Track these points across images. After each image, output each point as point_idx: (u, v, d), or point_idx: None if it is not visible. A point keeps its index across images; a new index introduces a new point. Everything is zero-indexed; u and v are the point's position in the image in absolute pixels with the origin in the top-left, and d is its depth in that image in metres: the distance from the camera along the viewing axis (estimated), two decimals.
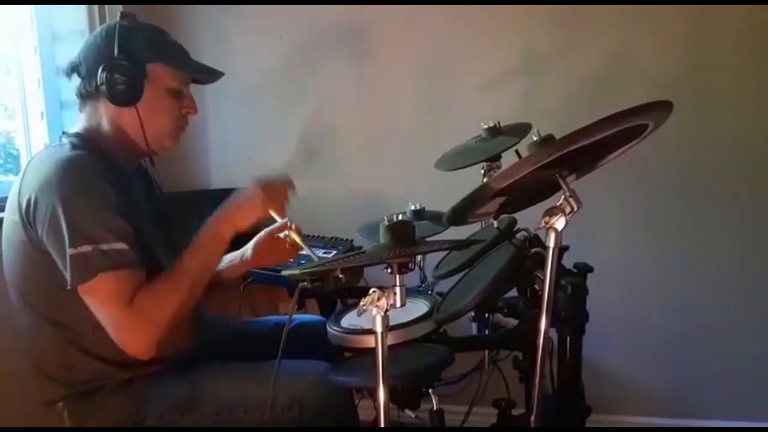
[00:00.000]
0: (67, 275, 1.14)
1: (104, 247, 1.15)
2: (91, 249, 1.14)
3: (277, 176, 1.34)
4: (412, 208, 1.52)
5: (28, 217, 1.19)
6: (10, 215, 1.24)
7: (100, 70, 1.25)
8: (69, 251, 1.13)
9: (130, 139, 1.32)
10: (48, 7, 2.02)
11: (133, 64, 1.26)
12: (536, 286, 1.19)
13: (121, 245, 1.16)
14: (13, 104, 2.03)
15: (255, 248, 1.47)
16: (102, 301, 1.17)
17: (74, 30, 2.03)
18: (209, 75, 1.39)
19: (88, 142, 1.28)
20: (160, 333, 1.19)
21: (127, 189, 1.27)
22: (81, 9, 2.03)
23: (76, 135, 1.30)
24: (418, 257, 1.47)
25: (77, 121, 1.34)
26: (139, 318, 1.17)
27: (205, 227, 1.28)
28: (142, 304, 1.17)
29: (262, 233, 1.45)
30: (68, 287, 1.15)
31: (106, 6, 2.07)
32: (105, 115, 1.31)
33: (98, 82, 1.26)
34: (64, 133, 1.32)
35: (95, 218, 1.16)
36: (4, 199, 1.28)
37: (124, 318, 1.17)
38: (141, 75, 1.27)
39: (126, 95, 1.26)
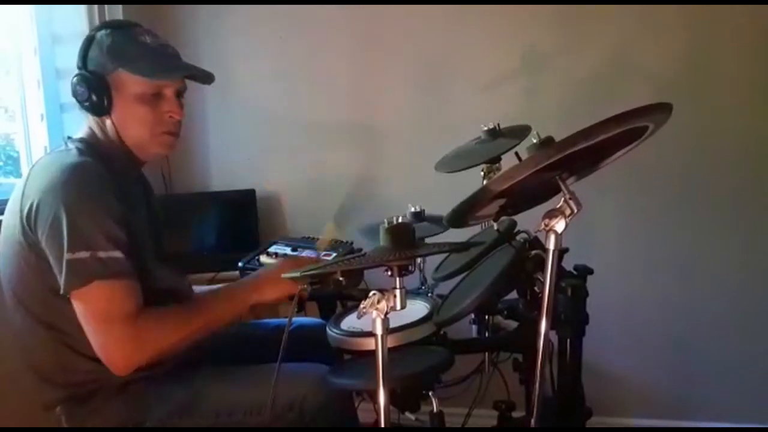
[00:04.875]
0: (62, 280, 1.14)
1: (101, 254, 1.14)
2: (89, 255, 1.13)
3: (306, 258, 1.46)
4: (412, 210, 1.52)
5: (29, 221, 1.18)
6: (10, 217, 1.23)
7: (74, 82, 1.26)
8: (66, 256, 1.13)
9: (125, 146, 1.31)
10: (48, 8, 2.03)
11: (93, 75, 1.25)
12: (536, 289, 1.19)
13: (117, 254, 1.15)
14: (13, 106, 2.03)
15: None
16: (93, 309, 1.16)
17: (74, 31, 2.02)
18: (174, 74, 1.29)
19: (92, 148, 1.27)
20: (146, 356, 1.19)
21: (127, 197, 1.26)
22: (81, 10, 2.04)
23: (81, 140, 1.29)
24: (418, 259, 1.46)
25: (81, 126, 1.34)
26: (132, 335, 1.16)
27: (236, 285, 1.34)
28: (145, 324, 1.17)
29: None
30: (61, 292, 1.14)
31: (106, 6, 2.07)
32: (94, 122, 1.31)
33: (72, 94, 1.27)
34: (69, 138, 1.31)
35: (96, 225, 1.15)
36: (4, 202, 1.28)
37: (111, 328, 1.16)
38: (103, 85, 1.25)
39: (96, 107, 1.26)
